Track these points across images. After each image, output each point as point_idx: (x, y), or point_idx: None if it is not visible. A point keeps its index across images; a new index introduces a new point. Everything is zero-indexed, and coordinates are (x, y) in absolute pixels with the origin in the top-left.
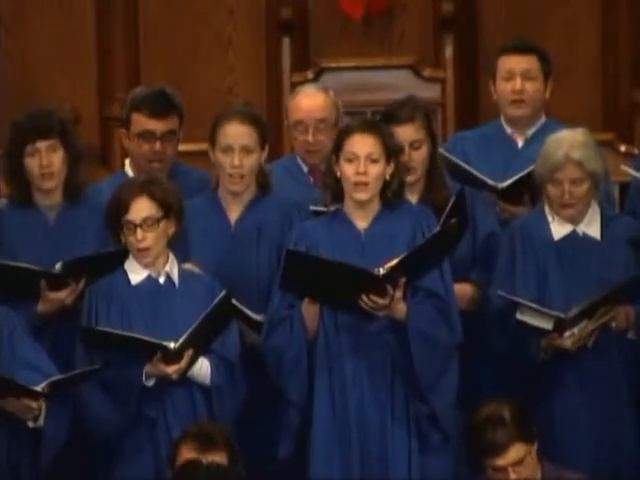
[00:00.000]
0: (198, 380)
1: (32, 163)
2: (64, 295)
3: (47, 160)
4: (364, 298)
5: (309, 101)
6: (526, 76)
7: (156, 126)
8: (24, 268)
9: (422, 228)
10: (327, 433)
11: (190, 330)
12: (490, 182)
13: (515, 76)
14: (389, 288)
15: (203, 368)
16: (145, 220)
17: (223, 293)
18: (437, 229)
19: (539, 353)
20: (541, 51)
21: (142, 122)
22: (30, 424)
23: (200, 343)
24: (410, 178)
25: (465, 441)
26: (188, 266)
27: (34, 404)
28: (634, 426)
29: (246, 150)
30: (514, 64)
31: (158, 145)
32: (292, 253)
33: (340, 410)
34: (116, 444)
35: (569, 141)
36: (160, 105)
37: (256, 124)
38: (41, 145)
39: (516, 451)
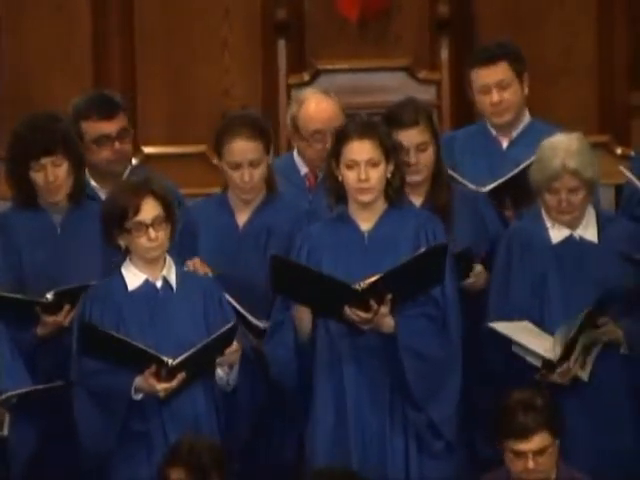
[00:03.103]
0: (230, 377)
1: (38, 177)
2: (61, 318)
3: (53, 175)
4: (347, 311)
5: (324, 110)
6: (500, 86)
7: (109, 127)
8: (16, 299)
9: (427, 233)
10: (328, 437)
11: (190, 352)
12: (471, 186)
13: (490, 89)
14: (372, 303)
15: (234, 370)
16: (155, 219)
17: (230, 324)
18: (422, 250)
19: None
20: (509, 53)
21: (95, 128)
22: None
23: (196, 368)
24: (416, 179)
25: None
26: (191, 266)
27: None
28: (635, 431)
29: (255, 164)
30: (486, 78)
31: (117, 145)
32: (276, 258)
33: (340, 415)
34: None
35: (565, 149)
36: (106, 106)
37: (261, 135)
38: (46, 161)
39: (541, 439)
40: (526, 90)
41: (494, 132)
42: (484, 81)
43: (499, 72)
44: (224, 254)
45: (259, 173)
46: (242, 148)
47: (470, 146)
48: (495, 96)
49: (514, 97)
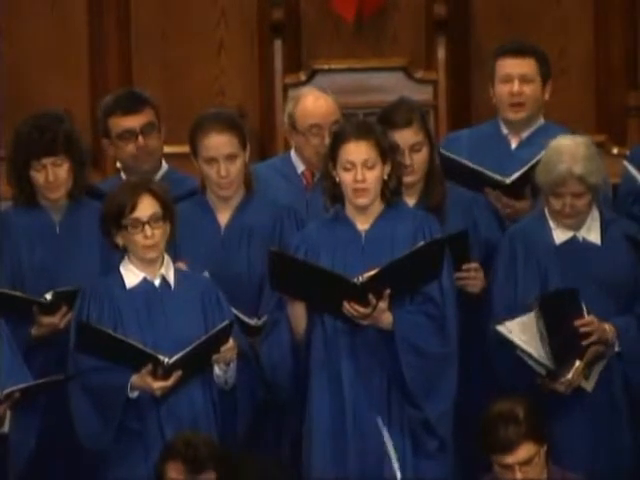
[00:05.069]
0: (227, 375)
1: (38, 176)
2: (57, 319)
3: (53, 175)
4: (346, 305)
5: (321, 105)
6: (524, 79)
7: (133, 122)
8: (15, 296)
9: (424, 233)
10: (325, 435)
11: (186, 351)
12: (497, 177)
13: (513, 79)
14: (371, 298)
15: (231, 368)
16: (152, 217)
17: (226, 322)
18: (420, 244)
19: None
20: (539, 53)
21: (119, 123)
22: None
23: (192, 366)
24: (411, 179)
25: (475, 436)
26: (178, 265)
27: None
28: (632, 435)
29: (230, 158)
30: (511, 68)
31: (141, 140)
32: (274, 253)
33: (337, 412)
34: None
35: (571, 155)
36: (131, 101)
37: (234, 128)
38: (47, 161)
39: (525, 450)
40: (547, 96)
41: (505, 131)
42: (507, 70)
43: (525, 65)
44: (207, 255)
45: (236, 168)
46: (217, 142)
47: (479, 144)
48: (516, 86)
49: (533, 95)
